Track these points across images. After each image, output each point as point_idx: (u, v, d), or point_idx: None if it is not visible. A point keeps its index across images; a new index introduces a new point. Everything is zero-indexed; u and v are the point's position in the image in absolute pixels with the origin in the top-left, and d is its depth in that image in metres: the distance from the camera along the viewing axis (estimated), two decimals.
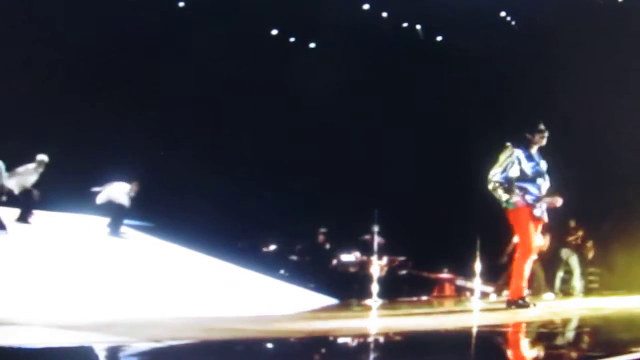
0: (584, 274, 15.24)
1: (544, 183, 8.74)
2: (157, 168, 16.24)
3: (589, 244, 15.43)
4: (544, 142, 8.83)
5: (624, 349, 5.10)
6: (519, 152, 8.71)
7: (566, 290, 14.99)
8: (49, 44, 15.52)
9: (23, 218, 14.18)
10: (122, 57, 16.60)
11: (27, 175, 14.16)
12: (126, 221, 15.45)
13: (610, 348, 5.77)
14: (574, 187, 9.32)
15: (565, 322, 7.96)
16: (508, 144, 8.80)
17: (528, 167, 8.68)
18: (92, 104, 15.81)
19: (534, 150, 8.81)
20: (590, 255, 15.50)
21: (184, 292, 10.41)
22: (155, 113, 17.08)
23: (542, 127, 8.87)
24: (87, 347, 4.39)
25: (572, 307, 10.75)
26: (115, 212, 15.07)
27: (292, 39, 19.68)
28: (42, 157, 14.33)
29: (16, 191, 13.92)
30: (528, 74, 16.75)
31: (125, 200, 15.08)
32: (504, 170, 8.66)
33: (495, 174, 8.69)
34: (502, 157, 8.73)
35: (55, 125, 15.27)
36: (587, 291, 15.40)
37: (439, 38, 19.90)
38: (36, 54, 15.41)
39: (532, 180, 8.67)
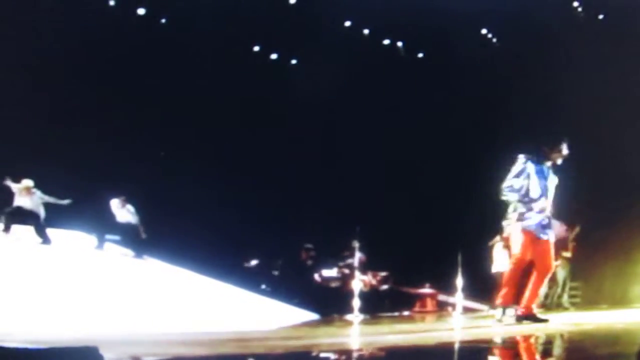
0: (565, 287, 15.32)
1: (547, 202, 8.52)
2: (140, 185, 16.14)
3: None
4: (559, 161, 8.56)
5: None
6: (530, 167, 8.50)
7: (550, 305, 15.00)
8: (34, 63, 15.46)
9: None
10: (100, 77, 16.52)
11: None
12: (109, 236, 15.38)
13: None
14: (567, 198, 9.27)
15: (547, 337, 7.98)
16: (521, 155, 8.56)
17: (536, 184, 8.47)
18: (79, 122, 15.83)
19: (546, 165, 8.56)
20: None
21: (166, 308, 10.36)
22: (138, 130, 17.00)
23: (564, 146, 8.55)
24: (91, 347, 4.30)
25: (554, 322, 10.78)
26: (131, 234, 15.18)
27: (273, 56, 19.70)
28: (27, 183, 14.12)
29: None
30: (510, 89, 16.86)
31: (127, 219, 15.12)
32: (514, 182, 8.48)
33: (506, 186, 8.52)
34: (514, 169, 8.51)
35: (48, 141, 15.28)
36: (570, 305, 15.48)
37: (420, 55, 20.01)
38: (28, 70, 15.35)
39: (537, 199, 8.49)
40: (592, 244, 15.63)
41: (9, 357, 4.08)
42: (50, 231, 14.42)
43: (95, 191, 15.18)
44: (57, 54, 15.91)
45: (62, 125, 15.84)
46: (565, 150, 8.57)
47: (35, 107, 15.54)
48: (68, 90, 16.09)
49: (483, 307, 14.41)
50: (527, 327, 8.37)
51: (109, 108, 16.52)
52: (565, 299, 15.32)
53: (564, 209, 9.25)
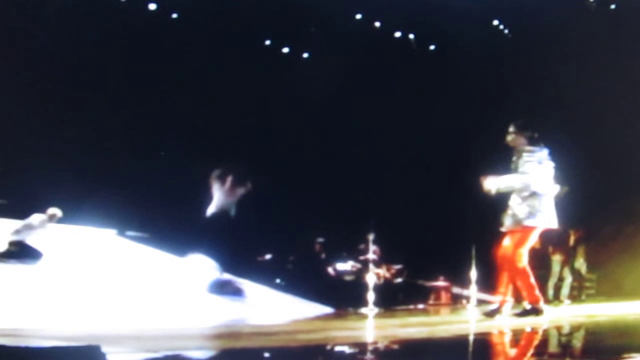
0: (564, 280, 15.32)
1: (516, 189, 8.79)
2: (152, 177, 16.20)
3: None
4: (508, 140, 8.90)
5: (615, 355, 5.14)
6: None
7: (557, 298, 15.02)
8: (37, 60, 15.53)
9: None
10: (112, 70, 16.57)
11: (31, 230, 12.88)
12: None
13: (603, 354, 5.81)
14: (575, 191, 9.30)
15: (560, 329, 7.98)
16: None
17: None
18: (86, 121, 15.90)
19: (516, 154, 8.87)
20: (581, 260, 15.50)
21: (180, 302, 10.39)
22: (149, 122, 17.05)
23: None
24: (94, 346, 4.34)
25: (567, 314, 10.79)
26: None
27: (285, 50, 19.70)
28: (54, 211, 13.28)
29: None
30: (523, 81, 16.81)
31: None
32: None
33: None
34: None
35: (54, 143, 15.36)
36: (585, 297, 15.50)
37: (432, 47, 19.96)
38: (34, 67, 15.42)
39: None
40: (605, 236, 15.61)
41: (10, 356, 4.09)
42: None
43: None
44: (63, 50, 15.94)
45: (67, 124, 15.84)
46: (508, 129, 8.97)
47: (38, 106, 15.60)
48: (74, 88, 16.16)
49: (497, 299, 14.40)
50: (541, 320, 8.38)
51: (117, 105, 16.58)
52: (564, 292, 15.27)
53: (574, 204, 9.27)
